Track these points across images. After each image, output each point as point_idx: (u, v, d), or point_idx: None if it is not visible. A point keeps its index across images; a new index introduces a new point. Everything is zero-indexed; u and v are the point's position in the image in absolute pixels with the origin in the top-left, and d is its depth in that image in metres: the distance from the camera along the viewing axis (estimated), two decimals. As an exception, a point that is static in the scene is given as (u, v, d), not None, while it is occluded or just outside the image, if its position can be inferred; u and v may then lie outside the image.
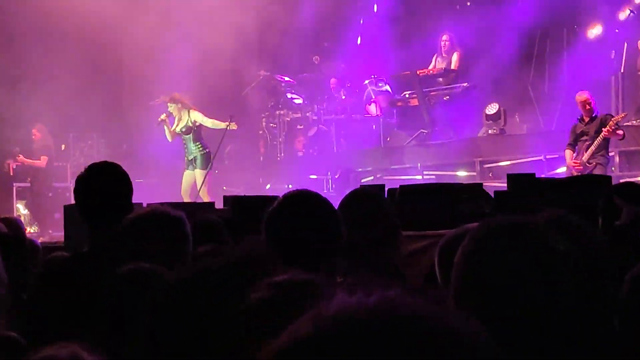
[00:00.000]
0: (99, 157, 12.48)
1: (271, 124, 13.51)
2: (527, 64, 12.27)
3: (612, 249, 2.17)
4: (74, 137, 13.28)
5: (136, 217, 2.63)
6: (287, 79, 13.68)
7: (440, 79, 12.21)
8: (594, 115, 9.40)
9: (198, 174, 10.47)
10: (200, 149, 10.48)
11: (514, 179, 5.18)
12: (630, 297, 1.70)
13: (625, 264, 1.88)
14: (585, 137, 9.34)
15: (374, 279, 2.39)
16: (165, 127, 10.48)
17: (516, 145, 10.79)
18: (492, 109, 11.22)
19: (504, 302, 1.37)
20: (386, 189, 5.48)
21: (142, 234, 2.58)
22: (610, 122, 9.08)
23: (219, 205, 6.16)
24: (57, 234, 10.13)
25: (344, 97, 13.08)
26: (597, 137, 9.17)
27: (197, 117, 10.43)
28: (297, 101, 13.50)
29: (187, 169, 10.64)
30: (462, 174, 10.88)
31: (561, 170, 9.85)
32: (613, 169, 9.76)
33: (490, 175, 10.70)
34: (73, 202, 3.05)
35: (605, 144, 9.23)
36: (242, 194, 10.10)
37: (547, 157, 10.27)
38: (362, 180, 11.41)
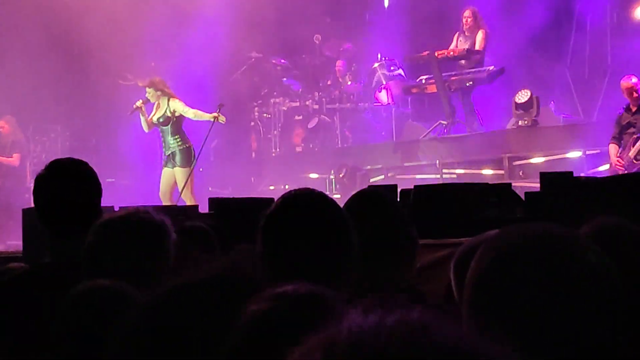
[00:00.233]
0: (63, 152, 12.52)
1: (265, 115, 13.51)
2: (564, 45, 12.26)
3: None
4: (34, 129, 13.28)
5: (106, 222, 2.62)
6: (283, 61, 13.68)
7: (463, 62, 12.19)
8: (642, 103, 9.40)
9: (178, 172, 10.42)
10: (180, 143, 10.45)
11: (549, 179, 5.17)
12: None
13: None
14: (632, 130, 9.33)
15: (387, 295, 2.37)
16: (142, 116, 10.45)
17: (551, 139, 10.78)
18: (522, 96, 11.21)
19: (524, 329, 1.35)
20: (399, 190, 5.47)
21: (113, 244, 2.57)
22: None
23: (204, 208, 6.16)
24: (14, 243, 10.13)
25: (349, 83, 13.08)
26: (646, 129, 9.17)
27: (178, 106, 10.39)
28: (294, 88, 13.50)
29: (166, 167, 10.60)
30: (487, 173, 10.88)
31: (604, 168, 9.84)
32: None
33: (521, 174, 10.69)
34: (33, 205, 3.05)
35: (656, 138, 9.23)
36: (231, 196, 10.09)
37: (587, 152, 10.26)
38: (371, 180, 11.40)
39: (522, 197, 5.22)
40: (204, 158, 11.57)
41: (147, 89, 10.47)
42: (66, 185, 2.95)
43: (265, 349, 1.25)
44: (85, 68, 13.16)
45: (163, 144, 10.61)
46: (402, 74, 12.77)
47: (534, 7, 11.92)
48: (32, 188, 3.07)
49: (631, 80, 9.54)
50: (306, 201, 2.33)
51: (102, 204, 3.07)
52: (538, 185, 5.33)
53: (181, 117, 10.45)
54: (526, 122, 11.14)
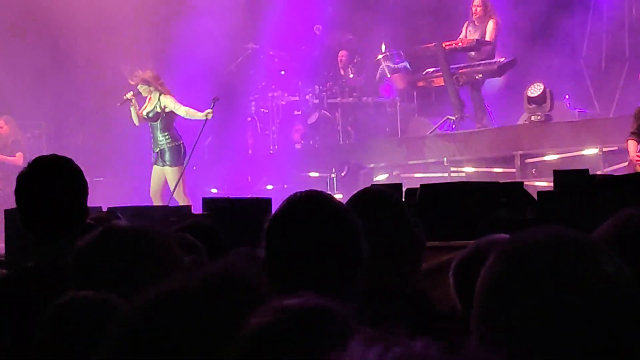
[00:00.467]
0: (48, 150, 12.50)
1: (262, 109, 13.51)
2: (579, 35, 12.25)
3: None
4: (18, 125, 13.28)
5: (89, 242, 2.60)
6: (281, 53, 13.67)
7: (472, 53, 12.19)
8: (662, 97, 9.40)
9: (169, 172, 10.44)
10: (169, 140, 10.46)
11: (563, 177, 5.17)
12: None
13: None
14: (652, 125, 9.31)
15: (392, 311, 2.35)
16: (132, 108, 10.47)
17: (565, 135, 10.77)
18: (535, 90, 11.20)
19: (535, 339, 1.34)
20: (404, 189, 5.47)
21: (112, 253, 2.56)
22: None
23: (198, 208, 6.17)
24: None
25: (352, 76, 13.08)
26: (667, 125, 9.15)
27: (168, 103, 10.41)
28: (294, 81, 13.50)
29: (156, 164, 10.62)
30: (498, 171, 10.87)
31: (622, 166, 9.83)
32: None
33: (534, 172, 10.69)
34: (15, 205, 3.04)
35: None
36: (226, 196, 10.09)
37: (604, 149, 10.25)
38: (375, 179, 11.40)
39: (535, 196, 5.22)
40: (198, 156, 11.57)
41: (139, 85, 10.51)
42: (50, 184, 2.94)
43: None
44: (71, 61, 13.15)
45: (152, 140, 10.63)
46: (408, 66, 12.76)
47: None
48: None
49: (651, 72, 9.53)
50: (313, 204, 2.32)
51: (89, 204, 3.06)
52: (551, 184, 5.33)
53: (172, 114, 10.46)
54: (539, 117, 11.13)
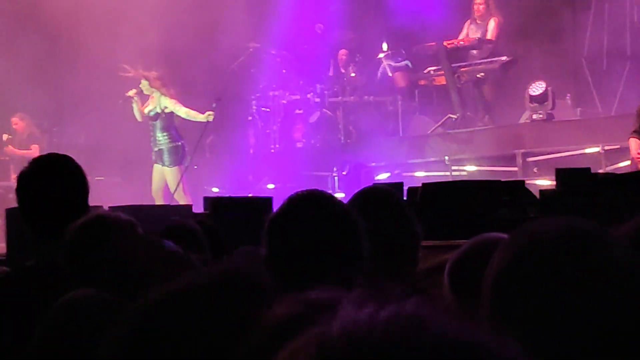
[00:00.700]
0: (50, 149, 12.51)
1: (263, 108, 13.49)
2: (580, 33, 12.24)
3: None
4: (8, 126, 13.28)
5: (78, 226, 2.61)
6: (283, 52, 13.66)
7: (474, 52, 12.18)
8: (664, 96, 9.39)
9: (168, 173, 10.48)
10: (169, 140, 10.49)
11: (565, 175, 5.17)
12: None
13: None
14: (654, 124, 9.31)
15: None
16: (135, 104, 10.53)
17: (567, 134, 10.77)
18: (537, 88, 11.19)
19: (546, 330, 1.34)
20: (405, 188, 5.47)
21: (83, 250, 2.57)
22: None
23: (199, 207, 6.16)
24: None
25: (353, 75, 13.07)
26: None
27: (168, 104, 10.46)
28: (295, 80, 13.48)
29: (156, 163, 10.66)
30: (500, 170, 10.86)
31: (623, 164, 9.82)
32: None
33: (535, 170, 10.69)
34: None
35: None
36: (227, 195, 10.10)
37: (606, 148, 10.24)
38: (376, 178, 11.40)
39: (537, 195, 5.22)
40: (199, 154, 11.58)
41: (142, 81, 10.55)
42: (51, 183, 2.95)
43: None
44: (73, 59, 13.15)
45: (151, 139, 10.67)
46: (409, 64, 12.75)
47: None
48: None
49: (652, 71, 9.52)
50: (313, 204, 2.32)
51: (91, 203, 3.07)
52: (553, 182, 5.33)
53: (172, 114, 10.50)
54: (541, 115, 11.13)
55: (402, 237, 2.82)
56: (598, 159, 10.17)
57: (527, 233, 1.43)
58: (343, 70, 13.29)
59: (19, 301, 2.72)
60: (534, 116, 11.18)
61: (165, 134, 10.50)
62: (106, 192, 10.42)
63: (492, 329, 1.37)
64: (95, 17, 12.34)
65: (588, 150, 10.39)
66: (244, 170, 13.03)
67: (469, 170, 11.07)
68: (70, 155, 3.12)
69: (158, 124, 10.50)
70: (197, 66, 12.61)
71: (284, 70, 13.66)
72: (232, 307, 1.38)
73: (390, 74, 12.66)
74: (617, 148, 10.05)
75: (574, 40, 12.24)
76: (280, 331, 1.27)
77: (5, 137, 13.10)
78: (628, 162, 9.64)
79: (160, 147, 10.51)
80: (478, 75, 11.88)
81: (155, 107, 10.50)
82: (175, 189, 10.30)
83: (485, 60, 11.91)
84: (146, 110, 10.57)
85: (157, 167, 10.67)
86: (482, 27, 12.15)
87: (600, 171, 9.08)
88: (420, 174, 11.22)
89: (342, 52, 13.45)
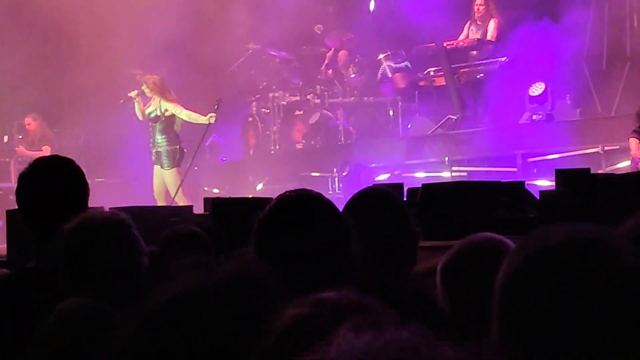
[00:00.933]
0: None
1: (263, 109, 13.50)
2: (580, 34, 12.24)
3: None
4: (19, 126, 13.29)
5: (71, 228, 2.62)
6: (282, 53, 13.66)
7: (474, 53, 12.18)
8: (664, 96, 9.39)
9: (166, 175, 10.52)
10: (167, 143, 10.53)
11: (564, 176, 5.16)
12: None
13: None
14: (654, 124, 9.31)
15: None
16: (136, 104, 10.57)
17: (567, 134, 10.77)
18: (537, 89, 11.20)
19: (555, 336, 1.34)
20: (405, 188, 5.47)
21: (78, 248, 2.57)
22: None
23: (199, 208, 6.16)
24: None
25: (353, 76, 13.07)
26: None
27: (170, 107, 10.50)
28: (295, 81, 13.49)
29: (156, 164, 10.71)
30: (500, 170, 10.86)
31: (623, 165, 9.82)
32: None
33: (535, 171, 10.68)
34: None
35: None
36: (227, 196, 10.10)
37: (606, 148, 10.24)
38: (376, 179, 11.39)
39: (537, 195, 5.21)
40: (199, 156, 11.58)
41: (143, 85, 10.61)
42: (51, 184, 2.95)
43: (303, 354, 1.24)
44: (73, 61, 13.16)
45: (151, 141, 10.70)
46: (409, 65, 12.75)
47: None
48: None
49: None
50: (302, 204, 2.32)
51: (92, 205, 3.07)
52: (553, 183, 5.32)
53: (172, 117, 10.54)
54: (540, 116, 11.13)
55: (401, 238, 2.82)
56: (598, 159, 10.17)
57: (536, 239, 1.42)
58: (343, 72, 13.28)
59: (20, 303, 2.71)
60: (534, 117, 11.18)
61: (164, 136, 10.53)
62: (107, 194, 10.43)
63: (498, 335, 1.37)
64: (96, 18, 12.34)
65: (588, 151, 10.39)
66: (244, 171, 13.03)
67: (469, 170, 11.07)
68: (70, 156, 3.12)
69: (158, 126, 10.54)
70: (197, 68, 12.61)
71: (283, 72, 13.66)
72: (241, 308, 1.37)
73: (390, 75, 12.66)
74: (617, 148, 10.05)
75: (573, 41, 12.23)
76: (291, 332, 1.27)
77: (6, 138, 13.12)
78: (628, 163, 9.64)
79: (159, 150, 10.55)
80: (478, 76, 11.88)
81: (156, 110, 10.54)
82: (176, 192, 10.31)
83: (485, 61, 11.91)
84: (147, 112, 10.60)
85: (157, 168, 10.70)
86: (482, 28, 12.16)
87: (600, 172, 9.08)
88: (420, 174, 11.21)
89: (342, 53, 13.44)
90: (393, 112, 12.70)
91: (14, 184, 11.59)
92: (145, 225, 2.83)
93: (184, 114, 10.51)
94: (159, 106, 10.53)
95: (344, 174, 11.65)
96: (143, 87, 10.58)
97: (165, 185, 10.66)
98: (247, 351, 1.30)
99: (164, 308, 1.39)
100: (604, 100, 11.82)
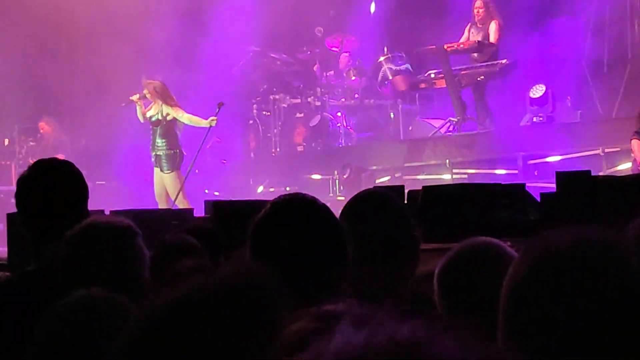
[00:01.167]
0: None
1: (264, 112, 13.50)
2: (581, 36, 12.24)
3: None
4: (20, 129, 13.30)
5: (76, 233, 2.62)
6: (283, 55, 13.66)
7: (474, 55, 12.18)
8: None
9: (166, 178, 10.56)
10: (167, 147, 10.58)
11: (565, 178, 5.16)
12: None
13: None
14: (656, 125, 9.29)
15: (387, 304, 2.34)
16: (138, 107, 10.62)
17: (567, 137, 10.77)
18: (537, 91, 11.20)
19: (563, 341, 1.33)
20: (406, 191, 5.46)
21: (81, 253, 2.57)
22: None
23: (199, 211, 6.15)
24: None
25: (353, 78, 13.07)
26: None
27: (171, 111, 10.54)
28: (295, 83, 13.49)
29: (156, 167, 10.74)
30: (500, 172, 10.86)
31: (624, 167, 9.81)
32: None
33: (536, 173, 10.68)
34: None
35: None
36: (228, 198, 10.08)
37: (606, 150, 10.24)
38: (377, 181, 11.39)
39: (537, 198, 5.21)
40: (200, 159, 11.59)
41: (145, 90, 10.66)
42: (50, 186, 2.94)
43: None
44: (73, 66, 13.16)
45: (151, 144, 10.74)
46: (410, 68, 12.75)
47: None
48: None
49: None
50: (297, 208, 2.32)
51: (92, 208, 3.07)
52: (554, 185, 5.32)
53: (173, 121, 10.59)
54: (541, 118, 11.12)
55: (400, 241, 2.81)
56: (598, 161, 10.17)
57: (543, 244, 1.42)
58: (344, 74, 13.29)
59: (21, 306, 2.71)
60: (535, 119, 11.18)
61: (164, 140, 10.57)
62: (107, 197, 10.43)
63: (504, 339, 1.36)
64: (96, 22, 12.35)
65: (588, 153, 10.39)
66: (245, 173, 13.03)
67: (470, 173, 11.06)
68: (71, 159, 3.13)
69: (159, 130, 10.58)
70: (197, 70, 12.62)
71: (284, 74, 13.66)
72: (241, 309, 1.37)
73: (390, 77, 12.65)
74: (618, 151, 10.04)
75: (574, 43, 12.23)
76: (297, 346, 1.26)
77: (6, 141, 13.12)
78: (629, 165, 9.63)
79: (158, 153, 10.60)
80: (479, 79, 11.87)
81: (157, 114, 10.58)
82: (177, 195, 10.33)
83: (486, 63, 11.90)
84: (148, 115, 10.64)
85: (157, 171, 10.73)
86: (482, 31, 12.15)
87: (601, 174, 9.07)
88: (421, 177, 11.21)
89: (343, 56, 13.44)
90: (394, 114, 12.70)
91: (14, 187, 11.64)
92: (146, 228, 2.83)
93: (185, 117, 10.56)
94: (160, 110, 10.57)
95: (345, 176, 11.65)
96: (145, 92, 10.62)
97: (165, 188, 10.68)
98: (247, 353, 1.30)
99: (165, 311, 1.39)
100: (605, 103, 11.82)
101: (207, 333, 1.34)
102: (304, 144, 13.12)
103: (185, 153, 10.74)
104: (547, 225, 1.49)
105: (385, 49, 13.06)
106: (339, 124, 12.82)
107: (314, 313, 1.31)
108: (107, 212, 5.67)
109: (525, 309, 1.37)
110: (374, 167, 11.81)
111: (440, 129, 11.98)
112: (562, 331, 1.33)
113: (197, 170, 11.73)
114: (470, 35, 12.25)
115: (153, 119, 10.60)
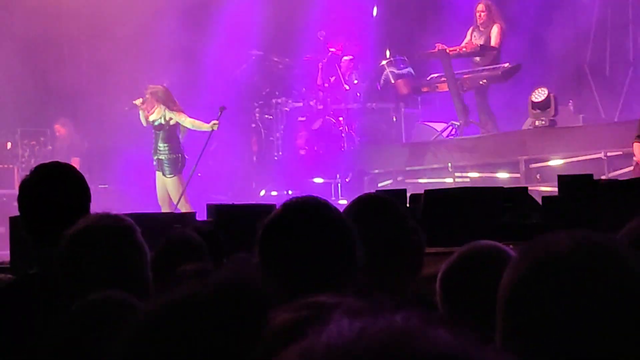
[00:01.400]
0: (53, 157, 12.51)
1: (266, 116, 13.50)
2: (583, 40, 12.24)
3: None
4: (22, 132, 13.30)
5: (74, 232, 2.62)
6: (285, 59, 13.66)
7: (477, 59, 12.18)
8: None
9: (168, 182, 10.59)
10: (169, 152, 10.61)
11: (567, 182, 5.16)
12: None
13: None
14: (657, 129, 9.29)
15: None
16: (141, 111, 10.65)
17: (570, 140, 10.76)
18: (539, 95, 11.19)
19: (561, 343, 1.33)
20: (408, 194, 5.47)
21: (82, 253, 2.57)
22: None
23: (202, 215, 6.16)
24: (2, 253, 10.14)
25: (356, 82, 13.07)
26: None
27: (173, 115, 10.57)
28: (297, 87, 13.49)
29: (158, 171, 10.77)
30: (503, 176, 10.86)
31: (627, 170, 9.81)
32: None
33: (538, 177, 10.67)
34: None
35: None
36: (230, 202, 10.09)
37: (609, 154, 10.23)
38: (379, 185, 11.39)
39: (539, 201, 5.21)
40: (202, 162, 11.59)
41: (147, 95, 10.69)
42: (53, 190, 2.95)
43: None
44: (75, 67, 13.17)
45: (153, 148, 10.77)
46: (412, 72, 12.75)
47: (551, 1, 11.89)
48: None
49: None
50: (308, 210, 2.30)
51: (94, 211, 3.07)
52: (556, 189, 5.31)
53: (176, 126, 10.64)
54: (543, 122, 11.11)
55: (399, 245, 2.80)
56: (601, 165, 10.16)
57: (541, 246, 1.42)
58: (346, 78, 13.29)
59: (23, 309, 2.71)
60: (537, 123, 11.17)
61: (166, 144, 10.61)
62: (109, 200, 10.43)
63: (503, 341, 1.36)
64: (99, 25, 12.36)
65: (590, 157, 10.38)
66: (247, 177, 13.03)
67: (472, 177, 11.06)
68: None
69: (161, 134, 10.62)
70: (199, 74, 12.62)
71: (286, 78, 13.66)
72: (233, 314, 1.37)
73: (393, 81, 12.65)
74: (620, 154, 10.04)
75: (576, 47, 12.24)
76: (287, 335, 1.27)
77: (9, 145, 13.11)
78: (631, 168, 9.62)
79: (160, 157, 10.63)
80: (481, 82, 11.87)
81: (160, 118, 10.62)
82: (179, 199, 10.36)
83: (488, 67, 11.90)
84: (151, 119, 10.67)
85: (159, 175, 10.75)
86: (484, 34, 12.15)
87: (603, 177, 9.07)
88: (423, 180, 11.21)
89: (345, 59, 13.45)
90: (396, 118, 12.70)
91: (16, 191, 11.64)
92: (148, 232, 2.83)
93: (187, 122, 10.60)
94: (163, 115, 10.60)
95: (347, 180, 11.65)
96: (147, 96, 10.65)
97: (167, 191, 10.71)
98: (240, 357, 1.30)
99: (158, 315, 1.40)
100: (607, 106, 11.82)
101: (195, 339, 1.34)
102: (307, 147, 13.12)
103: (187, 157, 10.76)
104: (549, 228, 1.49)
105: (388, 53, 13.07)
106: (341, 128, 12.82)
107: (302, 303, 1.31)
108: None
109: (524, 309, 1.37)
110: (376, 171, 11.81)
111: (442, 132, 11.98)
112: (560, 332, 1.33)
113: (199, 174, 11.74)
114: (473, 39, 12.25)
115: (156, 123, 10.63)
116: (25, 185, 3.00)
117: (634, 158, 9.41)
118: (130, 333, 1.40)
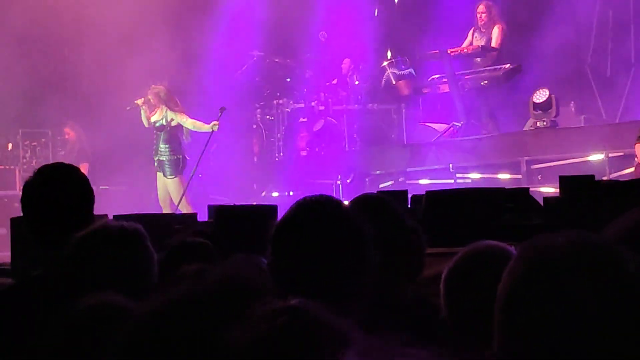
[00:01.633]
0: (54, 158, 12.52)
1: (267, 117, 13.51)
2: (584, 40, 12.24)
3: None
4: (24, 133, 13.31)
5: (83, 237, 2.62)
6: (287, 60, 13.67)
7: (478, 60, 12.19)
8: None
9: (169, 184, 10.59)
10: (170, 153, 10.62)
11: (569, 183, 5.16)
12: None
13: None
14: (659, 129, 9.29)
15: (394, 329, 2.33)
16: (143, 111, 10.66)
17: (571, 141, 10.76)
18: (541, 96, 11.19)
19: (559, 344, 1.33)
20: (409, 195, 5.47)
21: (90, 258, 2.57)
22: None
23: (203, 216, 6.16)
24: (2, 254, 10.14)
25: (357, 83, 13.08)
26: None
27: (175, 116, 10.57)
28: (299, 88, 13.49)
29: (159, 171, 10.77)
30: (504, 177, 10.86)
31: (628, 171, 9.81)
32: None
33: (539, 178, 10.67)
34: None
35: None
36: (231, 203, 10.09)
37: (610, 155, 10.23)
38: (381, 185, 11.40)
39: (541, 202, 5.21)
40: (203, 163, 11.60)
41: (149, 96, 10.69)
42: (56, 191, 2.95)
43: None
44: (76, 70, 13.18)
45: (154, 149, 10.77)
46: (413, 72, 12.76)
47: (552, 1, 11.89)
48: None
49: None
50: (322, 210, 2.29)
51: (96, 212, 3.07)
52: (557, 190, 5.31)
53: (178, 127, 10.63)
54: (545, 123, 11.12)
55: (398, 245, 2.80)
56: (602, 166, 10.16)
57: (539, 246, 1.43)
58: (347, 79, 13.29)
59: (27, 311, 2.72)
60: (538, 123, 11.17)
61: (167, 146, 10.62)
62: (111, 201, 10.44)
63: (499, 342, 1.37)
64: (100, 26, 12.36)
65: (592, 158, 10.38)
66: (249, 178, 13.03)
67: (474, 177, 11.06)
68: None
69: (162, 135, 10.63)
70: (201, 75, 12.63)
71: (287, 79, 13.67)
72: (229, 311, 1.38)
73: (394, 82, 12.66)
74: (622, 155, 10.03)
75: (578, 48, 12.24)
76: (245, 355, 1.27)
77: (10, 146, 13.12)
78: (632, 169, 9.62)
79: (161, 158, 10.64)
80: (482, 83, 11.87)
81: (162, 119, 10.63)
82: (180, 200, 10.36)
83: (489, 67, 11.91)
84: (152, 120, 10.68)
85: (160, 176, 10.76)
86: (486, 35, 12.16)
87: (605, 178, 9.07)
88: (424, 181, 11.21)
89: (346, 60, 13.45)
90: (397, 119, 12.70)
91: (18, 192, 11.64)
92: (150, 233, 2.83)
93: (189, 123, 10.60)
94: (164, 116, 10.61)
95: (348, 181, 11.65)
96: (149, 97, 10.66)
97: (168, 193, 10.71)
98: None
99: (154, 314, 1.41)
100: (609, 107, 11.82)
101: (190, 336, 1.35)
102: (308, 148, 13.12)
103: (188, 158, 10.77)
104: (550, 229, 1.49)
105: (389, 54, 13.08)
106: (342, 129, 12.83)
107: (274, 309, 1.32)
108: (110, 217, 5.68)
109: (521, 310, 1.38)
110: (378, 172, 11.81)
111: (443, 133, 11.98)
112: (558, 332, 1.33)
113: (200, 175, 11.74)
114: (474, 40, 12.26)
115: (157, 124, 10.63)
116: (28, 186, 3.00)
117: (636, 159, 9.42)
118: (127, 332, 1.41)
